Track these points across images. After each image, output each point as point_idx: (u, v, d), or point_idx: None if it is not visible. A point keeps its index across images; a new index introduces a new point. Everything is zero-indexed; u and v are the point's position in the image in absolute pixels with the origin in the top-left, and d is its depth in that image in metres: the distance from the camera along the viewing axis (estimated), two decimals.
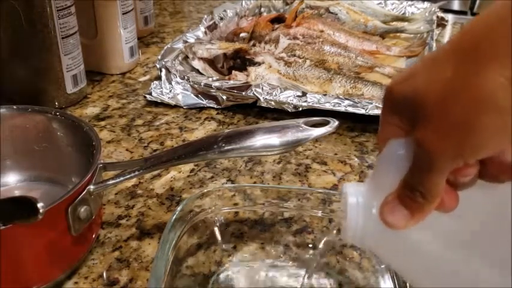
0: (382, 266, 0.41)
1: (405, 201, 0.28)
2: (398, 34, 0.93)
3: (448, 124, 0.25)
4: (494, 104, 0.24)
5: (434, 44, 0.81)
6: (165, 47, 0.76)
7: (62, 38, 0.64)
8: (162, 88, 0.70)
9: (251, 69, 0.73)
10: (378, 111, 0.62)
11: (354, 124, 0.66)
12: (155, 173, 0.55)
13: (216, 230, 0.44)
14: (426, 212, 0.28)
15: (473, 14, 1.89)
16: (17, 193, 0.49)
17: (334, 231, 0.44)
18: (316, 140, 0.62)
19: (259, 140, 0.41)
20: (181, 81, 0.69)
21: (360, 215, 0.30)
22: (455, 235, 0.30)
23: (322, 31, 0.84)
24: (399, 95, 0.28)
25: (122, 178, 0.43)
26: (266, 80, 0.71)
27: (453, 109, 0.25)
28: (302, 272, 0.43)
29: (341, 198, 0.32)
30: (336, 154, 0.60)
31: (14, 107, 0.49)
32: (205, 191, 0.44)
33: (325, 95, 0.65)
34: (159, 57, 0.73)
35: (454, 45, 0.26)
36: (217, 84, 0.68)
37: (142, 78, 0.78)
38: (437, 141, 0.26)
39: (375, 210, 0.29)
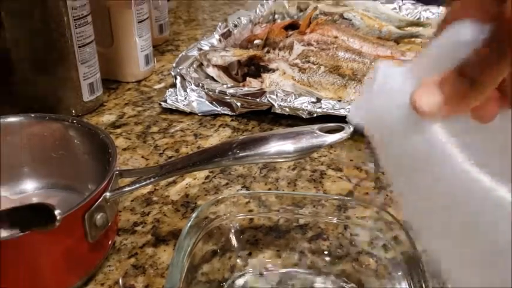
0: (399, 273, 0.41)
1: (447, 87, 0.24)
2: (413, 39, 0.92)
3: None
4: None
5: None
6: (180, 55, 0.77)
7: (79, 47, 0.65)
8: (177, 95, 0.70)
9: (265, 75, 0.73)
10: None
11: None
12: (170, 179, 0.55)
13: (231, 236, 0.44)
14: (465, 105, 0.24)
15: None
16: (34, 200, 0.49)
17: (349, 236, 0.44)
18: (331, 146, 0.62)
19: (274, 147, 0.41)
20: (196, 88, 0.70)
21: (385, 93, 0.26)
22: (475, 151, 0.25)
23: (336, 37, 0.84)
24: None
25: (137, 185, 0.43)
26: (280, 86, 0.71)
27: None
28: (317, 278, 0.43)
29: (372, 73, 0.28)
30: (351, 160, 0.60)
31: (32, 115, 0.50)
32: (220, 197, 0.44)
33: (339, 101, 0.65)
34: (174, 64, 0.74)
35: None
36: (231, 91, 0.68)
37: (157, 86, 0.79)
38: None
39: (406, 91, 0.25)
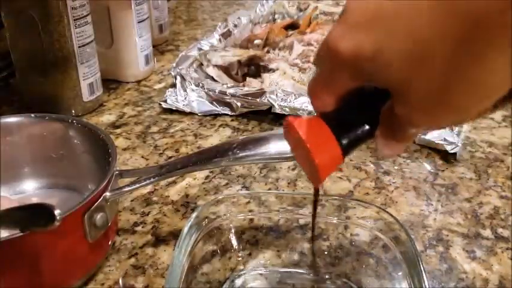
0: (400, 274, 0.41)
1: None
2: None
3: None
4: None
5: None
6: (180, 55, 0.77)
7: (79, 46, 0.65)
8: (177, 95, 0.70)
9: (265, 75, 0.73)
10: None
11: None
12: (170, 180, 0.55)
13: (231, 236, 0.44)
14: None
15: None
16: (34, 200, 0.49)
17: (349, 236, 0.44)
18: None
19: (274, 147, 0.41)
20: (196, 88, 0.70)
21: None
22: None
23: None
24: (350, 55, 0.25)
25: (137, 185, 0.43)
26: (280, 86, 0.71)
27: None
28: (317, 279, 0.43)
29: None
30: (351, 160, 0.60)
31: (32, 115, 0.50)
32: (220, 197, 0.44)
33: None
34: (174, 64, 0.74)
35: None
36: (231, 91, 0.68)
37: (157, 86, 0.79)
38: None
39: None
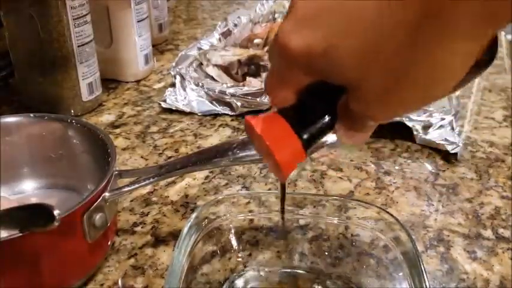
0: (400, 274, 0.41)
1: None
2: None
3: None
4: None
5: None
6: (180, 54, 0.76)
7: (78, 46, 0.64)
8: (176, 95, 0.70)
9: (265, 75, 0.72)
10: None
11: None
12: (170, 180, 0.55)
13: (231, 237, 0.44)
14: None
15: None
16: (33, 200, 0.49)
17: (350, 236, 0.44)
18: (332, 146, 0.62)
19: None
20: (196, 88, 0.70)
21: None
22: None
23: None
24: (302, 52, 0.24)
25: (136, 185, 0.43)
26: None
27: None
28: (318, 279, 0.42)
29: None
30: (351, 160, 0.60)
31: (31, 115, 0.50)
32: (220, 197, 0.44)
33: None
34: (174, 64, 0.73)
35: None
36: (231, 90, 0.68)
37: (157, 86, 0.79)
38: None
39: None
